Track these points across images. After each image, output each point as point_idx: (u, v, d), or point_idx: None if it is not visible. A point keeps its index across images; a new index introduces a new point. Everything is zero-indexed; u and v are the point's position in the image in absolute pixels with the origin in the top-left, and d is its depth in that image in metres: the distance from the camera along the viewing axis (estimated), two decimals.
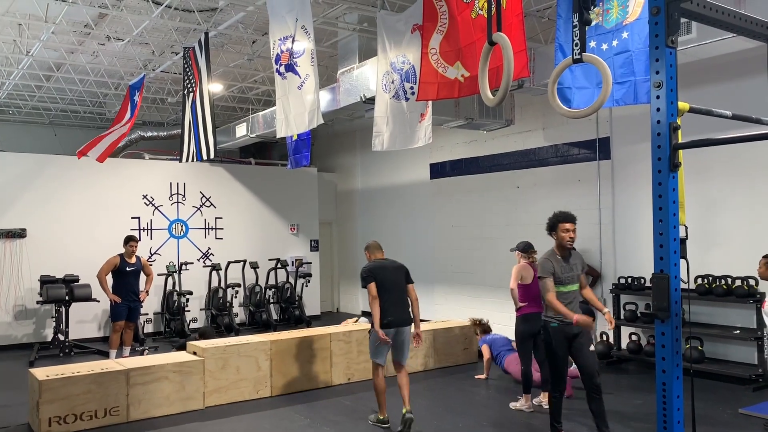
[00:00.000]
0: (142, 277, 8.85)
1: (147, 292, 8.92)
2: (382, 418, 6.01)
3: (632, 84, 5.20)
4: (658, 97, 2.74)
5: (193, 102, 8.33)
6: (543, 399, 6.49)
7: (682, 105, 2.82)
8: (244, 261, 12.20)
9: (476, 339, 8.44)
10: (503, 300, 10.44)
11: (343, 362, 7.69)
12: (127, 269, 8.60)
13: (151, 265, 9.49)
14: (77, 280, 9.99)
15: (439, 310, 11.70)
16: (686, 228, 2.88)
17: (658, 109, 2.74)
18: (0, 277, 10.33)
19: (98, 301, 9.97)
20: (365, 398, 6.98)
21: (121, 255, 8.64)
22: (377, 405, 6.04)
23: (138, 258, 8.78)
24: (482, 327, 8.39)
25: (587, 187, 9.29)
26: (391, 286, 5.92)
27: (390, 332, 5.79)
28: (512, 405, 6.50)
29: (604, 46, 5.34)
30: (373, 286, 5.84)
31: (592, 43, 5.38)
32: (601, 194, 9.10)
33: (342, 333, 7.80)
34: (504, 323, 10.38)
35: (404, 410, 5.81)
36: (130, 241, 8.70)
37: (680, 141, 2.77)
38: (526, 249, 6.70)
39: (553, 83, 2.97)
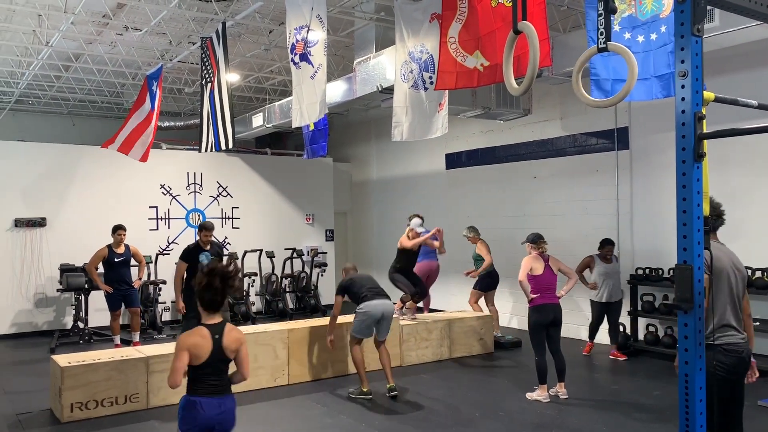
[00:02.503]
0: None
1: (140, 279, 8.99)
2: (365, 390, 6.59)
3: (670, 76, 5.16)
4: (683, 86, 2.71)
5: (211, 92, 8.36)
6: (560, 389, 6.49)
7: (707, 94, 2.78)
8: (261, 250, 12.27)
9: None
10: (519, 290, 10.42)
11: None
12: (116, 260, 8.65)
13: (156, 254, 9.56)
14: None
15: (454, 300, 11.70)
16: (710, 219, 2.86)
17: (683, 99, 2.71)
18: (21, 266, 10.48)
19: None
20: (381, 387, 7.03)
21: (109, 246, 8.68)
22: (359, 379, 6.64)
23: (127, 247, 8.79)
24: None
25: (605, 177, 9.23)
26: (367, 282, 6.88)
27: (378, 311, 6.55)
28: (529, 395, 6.51)
29: (640, 38, 5.30)
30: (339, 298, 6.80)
31: (627, 35, 5.34)
32: (620, 184, 9.04)
33: None
34: (520, 313, 10.38)
35: (388, 386, 6.61)
36: (117, 230, 8.73)
37: (705, 131, 2.74)
38: (535, 240, 6.70)
39: (578, 72, 2.94)
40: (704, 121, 2.75)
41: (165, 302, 11.20)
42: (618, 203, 9.05)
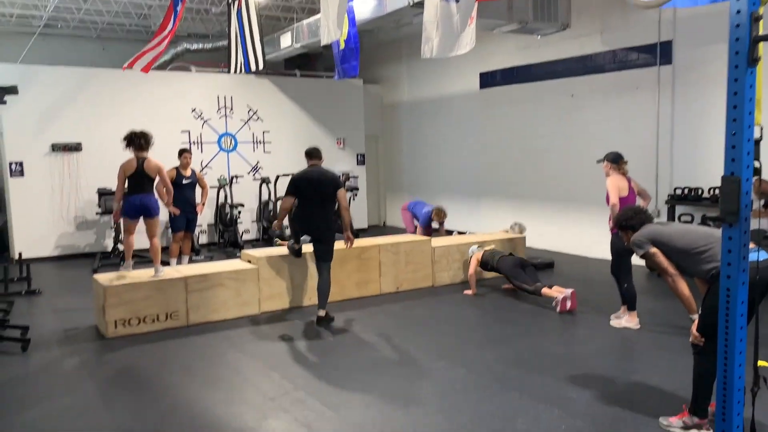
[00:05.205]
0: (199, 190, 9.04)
1: (203, 204, 9.09)
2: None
3: None
4: None
5: (239, 11, 8.17)
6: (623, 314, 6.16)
7: None
8: (292, 175, 12.26)
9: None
10: (552, 212, 10.32)
11: (392, 272, 7.81)
12: (184, 182, 8.75)
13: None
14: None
15: (485, 221, 11.67)
16: (761, 129, 2.71)
17: None
18: (60, 190, 10.70)
19: None
20: (415, 305, 7.13)
21: (176, 168, 8.76)
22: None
23: (193, 171, 8.92)
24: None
25: (645, 94, 8.88)
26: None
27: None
28: (615, 323, 6.10)
29: None
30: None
31: None
32: (661, 102, 8.70)
33: (390, 244, 7.87)
34: (551, 235, 10.30)
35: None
36: (183, 153, 8.82)
37: (761, 33, 2.56)
38: (617, 159, 6.03)
39: None
40: (761, 22, 2.57)
41: (201, 225, 11.39)
42: (658, 121, 8.73)
